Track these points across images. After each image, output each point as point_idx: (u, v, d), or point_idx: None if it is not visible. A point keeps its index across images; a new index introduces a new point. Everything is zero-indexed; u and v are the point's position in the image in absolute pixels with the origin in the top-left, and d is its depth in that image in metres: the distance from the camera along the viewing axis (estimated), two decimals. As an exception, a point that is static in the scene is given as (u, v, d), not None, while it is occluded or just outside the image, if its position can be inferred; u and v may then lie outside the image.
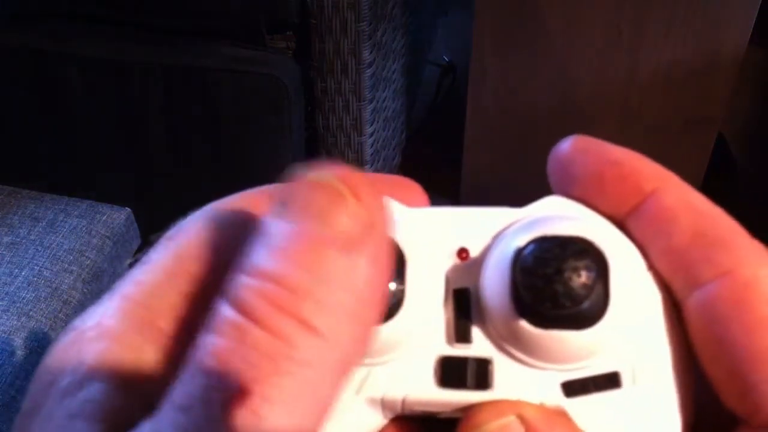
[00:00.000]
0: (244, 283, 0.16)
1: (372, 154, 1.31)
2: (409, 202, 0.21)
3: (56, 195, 1.00)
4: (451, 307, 0.19)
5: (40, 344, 0.85)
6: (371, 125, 1.27)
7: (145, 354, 0.17)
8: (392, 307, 0.18)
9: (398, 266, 0.19)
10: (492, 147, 1.51)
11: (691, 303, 0.18)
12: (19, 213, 0.97)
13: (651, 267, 0.19)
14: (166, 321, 0.18)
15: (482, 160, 1.53)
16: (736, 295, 0.18)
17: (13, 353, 0.83)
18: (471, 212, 0.20)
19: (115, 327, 0.17)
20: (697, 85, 1.29)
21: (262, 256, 0.16)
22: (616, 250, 0.18)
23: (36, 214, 0.97)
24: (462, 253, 0.20)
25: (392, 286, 0.18)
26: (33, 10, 1.16)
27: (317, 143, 1.28)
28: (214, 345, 0.15)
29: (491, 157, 1.52)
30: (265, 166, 1.21)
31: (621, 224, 0.20)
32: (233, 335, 0.15)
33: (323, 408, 0.16)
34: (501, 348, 0.19)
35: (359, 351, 0.16)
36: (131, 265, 0.20)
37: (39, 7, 1.15)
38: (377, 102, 1.28)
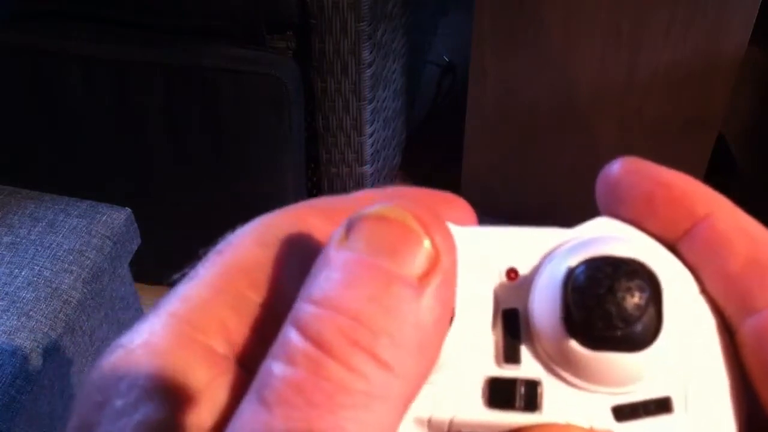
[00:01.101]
0: (317, 314, 0.16)
1: (372, 154, 1.31)
2: (458, 220, 0.21)
3: (56, 195, 1.00)
4: (500, 327, 0.19)
5: (40, 344, 0.85)
6: (371, 125, 1.27)
7: (196, 373, 0.17)
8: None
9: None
10: (492, 147, 1.51)
11: (745, 329, 0.18)
12: (19, 213, 0.97)
13: (703, 291, 0.19)
14: (215, 339, 0.18)
15: (482, 160, 1.53)
16: None
17: (13, 353, 0.83)
18: (520, 232, 0.20)
19: (164, 345, 0.17)
20: (697, 85, 1.29)
21: (333, 286, 0.16)
22: (668, 273, 0.18)
23: (36, 214, 0.97)
24: (511, 273, 0.20)
25: None
26: (33, 10, 1.16)
27: (317, 143, 1.28)
28: (285, 374, 0.15)
29: (491, 157, 1.52)
30: (265, 166, 1.21)
31: (672, 247, 0.20)
32: (308, 366, 0.15)
33: None
34: (550, 370, 0.19)
35: (422, 384, 0.17)
36: (176, 281, 0.19)
37: (39, 7, 1.15)
38: (377, 102, 1.28)
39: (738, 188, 1.59)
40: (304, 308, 0.16)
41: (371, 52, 1.18)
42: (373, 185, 1.36)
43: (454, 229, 0.20)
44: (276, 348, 0.16)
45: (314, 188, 1.36)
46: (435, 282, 0.16)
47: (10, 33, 1.15)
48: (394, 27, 1.31)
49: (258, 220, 0.20)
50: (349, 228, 0.17)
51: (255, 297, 0.18)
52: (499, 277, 0.20)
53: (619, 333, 0.17)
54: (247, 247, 0.19)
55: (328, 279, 0.16)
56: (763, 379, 0.18)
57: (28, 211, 0.97)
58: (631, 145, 1.39)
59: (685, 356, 0.19)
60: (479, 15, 1.34)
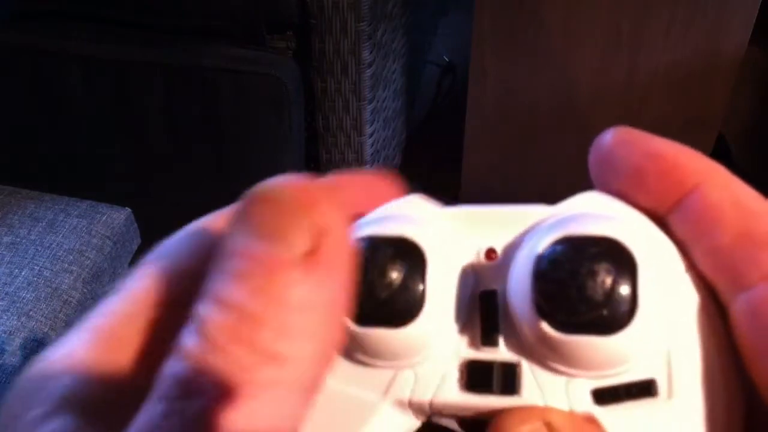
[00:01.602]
0: (205, 312, 0.16)
1: (372, 154, 1.31)
2: (384, 200, 0.20)
3: (56, 195, 1.00)
4: (477, 309, 0.19)
5: (40, 344, 0.85)
6: (371, 125, 1.27)
7: (114, 384, 0.17)
8: (413, 308, 0.18)
9: (419, 266, 0.18)
10: (492, 147, 1.51)
11: (737, 306, 0.17)
12: (19, 213, 0.97)
13: (692, 268, 0.18)
14: (134, 351, 0.18)
15: (482, 160, 1.54)
16: None
17: (13, 353, 0.83)
18: (501, 211, 0.20)
19: (83, 358, 0.17)
20: (697, 85, 1.29)
21: (219, 282, 0.16)
22: (649, 251, 0.18)
23: (36, 214, 0.97)
24: (490, 253, 0.19)
25: (413, 287, 0.18)
26: (33, 10, 1.16)
27: (317, 143, 1.28)
28: (175, 371, 0.15)
29: (491, 157, 1.52)
30: (265, 166, 1.21)
31: (662, 221, 0.19)
32: (195, 363, 0.15)
33: (290, 424, 0.16)
34: (528, 353, 0.19)
35: (324, 366, 0.16)
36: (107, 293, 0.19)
37: (39, 7, 1.15)
38: (377, 102, 1.28)
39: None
40: (199, 305, 0.16)
41: (371, 52, 1.18)
42: (373, 185, 1.36)
43: (435, 209, 0.20)
44: (173, 349, 0.16)
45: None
46: (322, 260, 0.16)
47: (10, 33, 1.15)
48: (394, 27, 1.31)
49: (187, 226, 0.20)
50: (238, 217, 0.16)
51: (178, 304, 0.18)
52: (477, 258, 0.19)
53: (586, 317, 0.17)
54: (177, 256, 0.19)
55: (219, 272, 0.16)
56: (756, 359, 0.17)
57: (28, 211, 0.97)
58: (631, 145, 1.39)
59: (669, 338, 0.18)
60: (479, 15, 1.34)
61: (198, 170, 1.24)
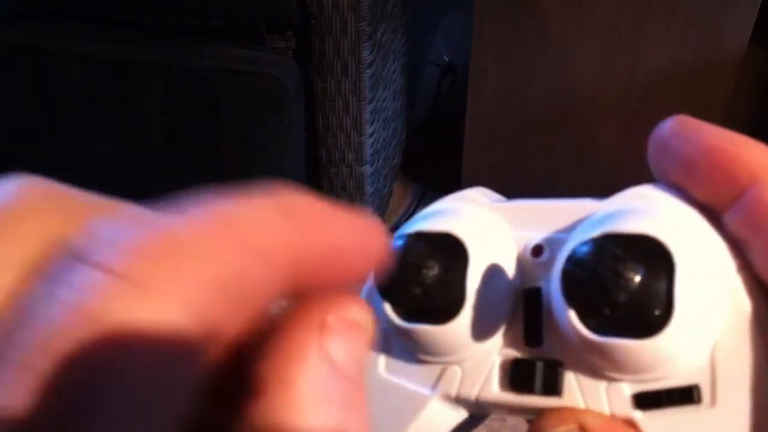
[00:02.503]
0: None
1: (372, 154, 1.31)
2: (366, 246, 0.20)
3: (56, 195, 1.00)
4: (521, 307, 0.19)
5: (40, 344, 0.85)
6: (371, 125, 1.27)
7: None
8: (453, 305, 0.18)
9: (460, 262, 0.18)
10: (492, 147, 1.51)
11: None
12: (19, 213, 0.97)
13: (745, 268, 0.17)
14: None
15: (482, 160, 1.53)
16: None
17: (13, 353, 0.83)
18: (551, 206, 0.20)
19: None
20: (697, 85, 1.29)
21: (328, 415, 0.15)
22: (692, 249, 0.17)
23: (36, 214, 0.97)
24: (537, 249, 0.19)
25: (455, 282, 0.18)
26: (33, 10, 1.16)
27: (317, 143, 1.28)
28: None
29: (491, 157, 1.52)
30: (265, 166, 1.21)
31: (719, 218, 0.18)
32: None
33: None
34: (570, 354, 0.18)
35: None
36: None
37: (39, 7, 1.15)
38: (377, 102, 1.28)
39: None
40: None
41: (371, 52, 1.18)
42: (373, 185, 1.36)
43: (487, 204, 0.20)
44: None
45: (314, 188, 1.36)
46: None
47: (10, 33, 1.15)
48: (394, 27, 1.31)
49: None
50: (328, 330, 0.15)
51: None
52: (525, 253, 0.19)
53: (612, 318, 0.16)
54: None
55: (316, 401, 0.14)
56: None
57: (28, 211, 0.97)
58: (631, 145, 1.39)
59: (714, 341, 0.17)
60: (479, 15, 1.34)
61: (198, 170, 1.24)
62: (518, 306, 0.19)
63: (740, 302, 0.17)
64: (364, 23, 1.13)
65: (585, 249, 0.17)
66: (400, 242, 0.19)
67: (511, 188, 1.58)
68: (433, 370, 0.20)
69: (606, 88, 1.35)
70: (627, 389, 0.18)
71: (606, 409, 0.18)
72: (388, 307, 0.19)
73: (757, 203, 0.17)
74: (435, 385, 0.19)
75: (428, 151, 1.69)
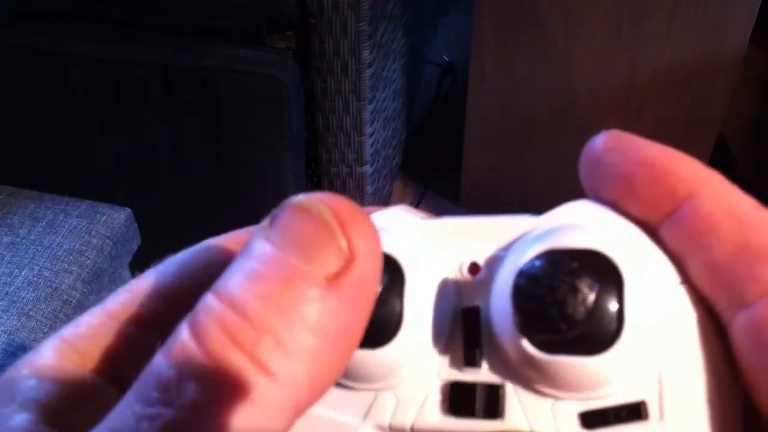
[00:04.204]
0: (208, 305, 0.15)
1: (372, 154, 1.31)
2: None
3: (56, 195, 1.00)
4: (459, 327, 0.18)
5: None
6: (371, 125, 1.27)
7: (75, 390, 0.18)
8: (390, 327, 0.17)
9: (396, 282, 0.17)
10: (492, 147, 1.51)
11: (737, 324, 0.16)
12: (19, 213, 0.97)
13: (686, 282, 0.17)
14: (98, 362, 0.18)
15: (482, 160, 1.53)
16: None
17: (13, 353, 0.83)
18: (485, 222, 0.19)
19: (47, 365, 0.18)
20: (697, 85, 1.29)
21: (234, 279, 0.15)
22: (638, 264, 0.16)
23: (36, 214, 0.97)
24: (473, 267, 0.18)
25: (389, 306, 0.17)
26: (33, 10, 1.16)
27: (317, 143, 1.28)
28: (159, 372, 0.15)
29: (491, 157, 1.52)
30: (265, 166, 1.21)
31: (655, 233, 0.18)
32: (181, 361, 0.14)
33: None
34: (513, 374, 0.17)
35: (316, 394, 0.15)
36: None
37: (39, 7, 1.15)
38: (377, 102, 1.28)
39: (738, 188, 1.59)
40: (205, 299, 0.15)
41: (371, 52, 1.18)
42: (373, 185, 1.36)
43: (417, 221, 0.19)
44: (167, 341, 0.15)
45: (314, 188, 1.36)
46: (346, 285, 0.15)
47: (10, 33, 1.15)
48: (394, 27, 1.31)
49: (203, 243, 0.20)
50: (273, 216, 0.16)
51: (156, 320, 0.18)
52: (460, 272, 0.18)
53: (568, 336, 0.16)
54: (167, 275, 0.19)
55: (236, 270, 0.15)
56: (758, 378, 0.16)
57: (28, 211, 0.97)
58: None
59: (661, 357, 0.17)
60: (479, 15, 1.34)
61: (198, 170, 1.24)
62: (456, 326, 0.18)
63: (685, 316, 0.17)
64: (364, 23, 1.13)
65: (537, 264, 0.16)
66: None
67: (511, 188, 1.60)
68: (363, 398, 0.18)
69: (606, 88, 1.35)
70: (573, 408, 0.17)
71: (552, 430, 0.17)
72: None
73: (696, 216, 0.17)
74: (366, 414, 0.18)
75: (428, 151, 1.69)
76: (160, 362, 0.15)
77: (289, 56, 1.16)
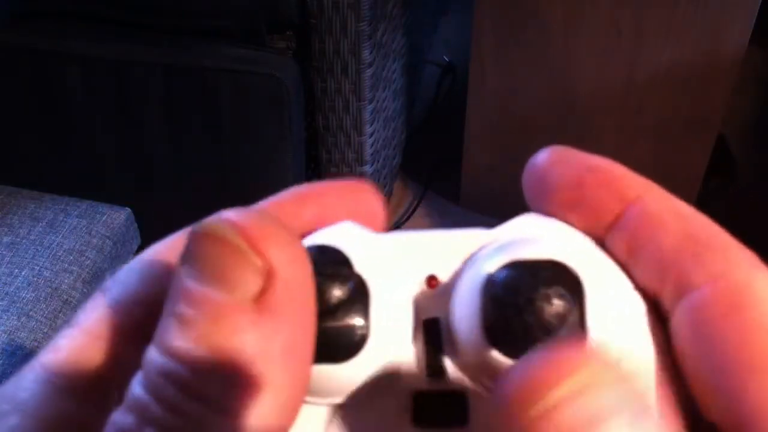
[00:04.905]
0: (152, 360, 0.15)
1: (372, 154, 1.31)
2: (364, 209, 0.20)
3: (56, 195, 1.00)
4: (421, 338, 0.18)
5: (40, 344, 0.85)
6: (371, 125, 1.27)
7: (57, 427, 0.17)
8: (356, 342, 0.17)
9: (361, 298, 0.17)
10: (492, 147, 1.51)
11: (680, 310, 0.17)
12: (19, 213, 0.97)
13: (637, 287, 0.18)
14: (82, 388, 0.17)
15: (482, 160, 1.53)
16: (729, 299, 0.16)
17: (13, 353, 0.83)
18: (439, 236, 0.19)
19: (29, 400, 0.17)
20: (697, 85, 1.29)
21: (169, 327, 0.15)
22: (593, 271, 0.17)
23: (36, 214, 0.97)
24: (431, 280, 0.19)
25: (356, 320, 0.17)
26: (33, 10, 1.16)
27: (317, 143, 1.28)
28: (122, 423, 0.14)
29: (491, 157, 1.52)
30: (265, 166, 1.21)
31: (601, 241, 0.18)
32: (141, 416, 0.14)
33: None
34: (476, 381, 0.18)
35: (286, 418, 0.15)
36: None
37: (39, 7, 1.15)
38: (377, 102, 1.28)
39: (738, 188, 1.59)
40: (148, 352, 0.15)
41: (371, 52, 1.18)
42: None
43: (369, 236, 0.19)
44: (125, 397, 0.15)
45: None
46: (275, 301, 0.15)
47: (10, 33, 1.15)
48: (394, 27, 1.31)
49: (146, 252, 0.19)
50: (186, 247, 0.15)
51: (132, 339, 0.17)
52: (418, 285, 0.19)
53: (540, 343, 0.16)
54: (131, 285, 0.18)
55: (166, 315, 0.15)
56: (693, 361, 0.16)
57: (28, 211, 0.97)
58: (631, 145, 1.39)
59: (617, 359, 0.17)
60: (479, 15, 1.34)
61: (198, 170, 1.24)
62: (416, 338, 0.18)
63: (636, 315, 0.18)
64: (364, 23, 1.13)
65: (510, 274, 0.17)
66: None
67: (511, 188, 1.59)
68: (320, 412, 0.18)
69: (606, 88, 1.35)
70: None
71: None
72: None
73: (644, 215, 0.18)
74: (326, 428, 0.18)
75: (428, 151, 1.69)
76: (123, 419, 0.15)
77: (289, 56, 1.16)
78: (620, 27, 1.27)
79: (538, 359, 0.14)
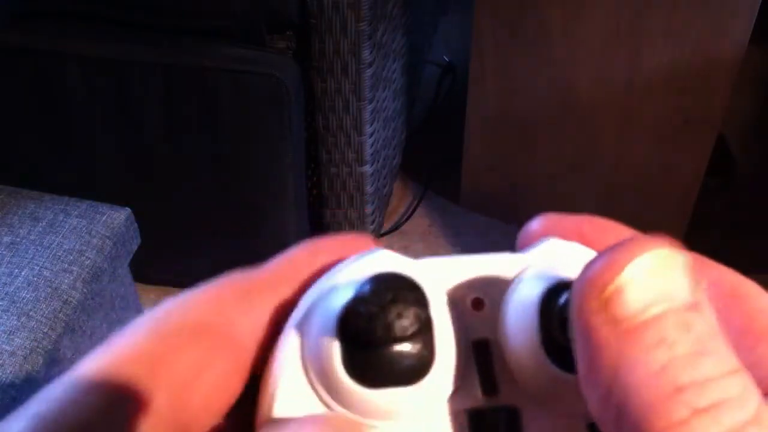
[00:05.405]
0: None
1: (372, 154, 1.31)
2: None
3: (56, 195, 1.00)
4: (473, 359, 0.19)
5: (40, 344, 0.85)
6: (371, 125, 1.27)
7: None
8: (424, 365, 0.18)
9: (426, 318, 0.18)
10: (492, 147, 1.51)
11: None
12: (19, 213, 0.97)
13: None
14: None
15: (482, 160, 1.53)
16: (729, 293, 0.19)
17: (13, 353, 0.83)
18: (478, 260, 0.20)
19: None
20: (697, 85, 1.29)
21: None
22: None
23: (36, 214, 0.97)
24: (477, 302, 0.20)
25: (426, 344, 0.18)
26: (33, 10, 1.16)
27: (317, 143, 1.28)
28: None
29: (491, 157, 1.52)
30: (265, 166, 1.21)
31: None
32: None
33: None
34: (529, 397, 0.19)
35: None
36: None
37: (39, 7, 1.15)
38: (377, 102, 1.28)
39: (738, 188, 1.59)
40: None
41: (371, 52, 1.18)
42: (373, 185, 1.36)
43: (413, 262, 0.20)
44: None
45: (314, 188, 1.36)
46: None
47: (10, 33, 1.15)
48: (394, 27, 1.31)
49: (158, 305, 0.19)
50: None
51: (136, 397, 0.17)
52: (466, 308, 0.19)
53: None
54: (139, 338, 0.18)
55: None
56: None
57: (28, 211, 0.97)
58: (631, 145, 1.39)
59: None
60: (479, 15, 1.34)
61: (198, 170, 1.24)
62: (469, 359, 0.19)
63: None
64: (364, 23, 1.13)
65: (559, 295, 0.18)
66: (365, 287, 0.18)
67: (511, 188, 1.59)
68: None
69: (606, 88, 1.35)
70: (582, 423, 0.19)
71: None
72: (342, 375, 0.18)
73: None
74: None
75: (428, 151, 1.69)
76: None
77: (289, 56, 1.16)
78: (620, 27, 1.27)
79: (602, 255, 0.16)
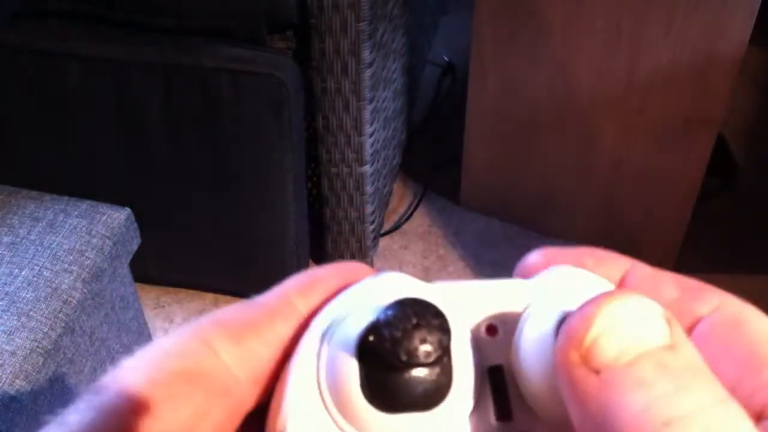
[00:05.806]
0: None
1: (372, 154, 1.31)
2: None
3: (56, 195, 1.00)
4: (487, 384, 0.19)
5: (40, 344, 0.85)
6: (371, 125, 1.27)
7: None
8: (443, 390, 0.18)
9: (446, 341, 0.18)
10: (492, 147, 1.51)
11: (694, 335, 0.19)
12: (19, 213, 0.97)
13: None
14: None
15: (482, 160, 1.53)
16: (732, 320, 0.19)
17: (13, 353, 0.83)
18: (491, 286, 0.20)
19: None
20: (697, 85, 1.29)
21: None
22: None
23: (36, 214, 0.97)
24: (490, 329, 0.20)
25: (446, 369, 0.18)
26: (33, 10, 1.16)
27: (317, 143, 1.28)
28: None
29: (491, 157, 1.52)
30: (265, 166, 1.21)
31: None
32: None
33: None
34: (542, 423, 0.19)
35: None
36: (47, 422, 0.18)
37: (39, 7, 1.15)
38: (377, 102, 1.28)
39: (738, 188, 1.59)
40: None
41: (371, 52, 1.18)
42: (373, 185, 1.36)
43: (428, 286, 0.20)
44: None
45: (314, 188, 1.36)
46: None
47: (10, 33, 1.15)
48: (394, 27, 1.31)
49: (153, 346, 0.19)
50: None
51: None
52: (479, 334, 0.20)
53: None
54: (134, 386, 0.18)
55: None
56: (716, 372, 0.17)
57: (28, 211, 0.97)
58: (631, 145, 1.39)
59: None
60: (479, 15, 1.34)
61: (198, 170, 1.24)
62: (484, 384, 0.19)
63: None
64: (364, 23, 1.13)
65: None
66: (388, 311, 0.17)
67: (511, 188, 1.59)
68: None
69: (606, 88, 1.34)
70: None
71: None
72: (360, 399, 0.18)
73: (643, 277, 0.21)
74: None
75: (428, 151, 1.69)
76: None
77: (289, 56, 1.16)
78: (620, 27, 1.27)
79: (577, 311, 0.17)
